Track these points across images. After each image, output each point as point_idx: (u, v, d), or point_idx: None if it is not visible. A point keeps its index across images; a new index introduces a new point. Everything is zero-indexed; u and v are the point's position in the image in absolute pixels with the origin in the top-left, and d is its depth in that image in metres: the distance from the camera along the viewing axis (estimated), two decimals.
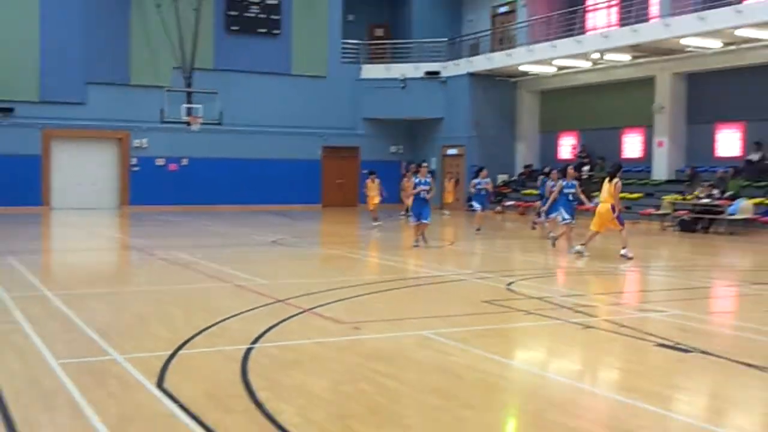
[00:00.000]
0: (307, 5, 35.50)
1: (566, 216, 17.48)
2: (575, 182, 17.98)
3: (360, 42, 36.82)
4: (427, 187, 17.99)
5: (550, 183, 19.21)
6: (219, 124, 32.02)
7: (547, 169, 22.14)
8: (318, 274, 14.65)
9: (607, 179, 16.23)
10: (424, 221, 17.76)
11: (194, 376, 6.86)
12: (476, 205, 22.54)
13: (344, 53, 36.49)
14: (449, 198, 33.61)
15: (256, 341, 8.12)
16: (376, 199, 24.81)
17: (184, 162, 33.88)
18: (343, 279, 13.26)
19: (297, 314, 9.75)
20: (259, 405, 5.96)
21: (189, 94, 32.16)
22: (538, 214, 21.21)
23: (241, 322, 9.20)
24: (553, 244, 17.80)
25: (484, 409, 6.09)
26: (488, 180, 23.48)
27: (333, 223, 28.04)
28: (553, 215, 18.59)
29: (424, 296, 11.93)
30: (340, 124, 36.22)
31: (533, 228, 22.06)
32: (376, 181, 25.09)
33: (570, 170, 18.27)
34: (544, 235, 19.83)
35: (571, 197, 17.59)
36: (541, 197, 28.93)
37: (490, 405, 6.26)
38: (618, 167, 16.46)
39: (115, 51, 32.42)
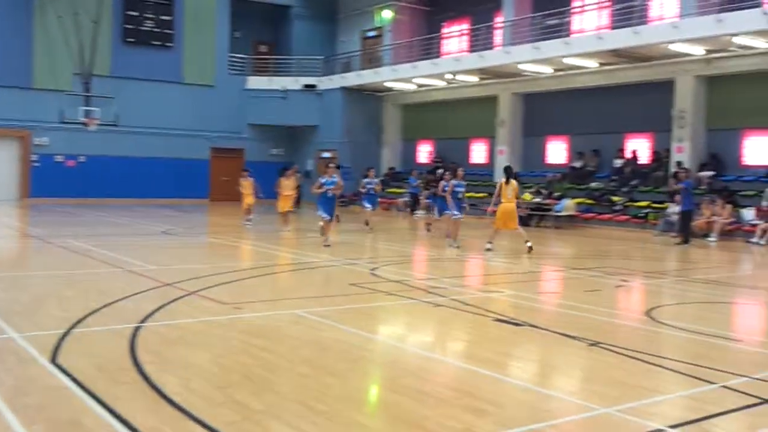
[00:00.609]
0: (198, 22, 34.72)
1: (456, 212, 16.97)
2: (464, 182, 17.44)
3: (246, 56, 36.48)
4: (332, 186, 16.30)
5: (443, 183, 17.91)
6: (115, 125, 31.19)
7: (441, 172, 21.09)
8: (204, 261, 14.30)
9: (504, 181, 16.05)
10: (327, 218, 16.27)
11: (86, 352, 6.55)
12: (367, 205, 21.06)
13: (231, 66, 35.96)
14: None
15: (144, 320, 7.85)
16: (250, 198, 21.59)
17: (82, 159, 32.57)
18: (226, 265, 13.01)
19: (183, 296, 9.49)
20: (145, 377, 5.76)
21: (87, 97, 31.14)
22: (428, 210, 20.28)
23: (131, 304, 8.87)
24: (448, 242, 16.90)
25: (348, 377, 6.09)
26: (377, 180, 22.11)
27: (219, 216, 27.45)
28: (447, 213, 17.56)
29: (298, 280, 11.86)
30: (227, 129, 35.70)
31: (428, 230, 20.74)
32: (250, 179, 21.88)
33: (459, 171, 17.40)
34: (439, 234, 19.12)
35: (460, 195, 17.08)
36: (413, 195, 29.36)
37: (352, 373, 6.26)
38: (510, 168, 16.50)
39: (18, 56, 30.85)
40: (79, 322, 7.70)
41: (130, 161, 33.35)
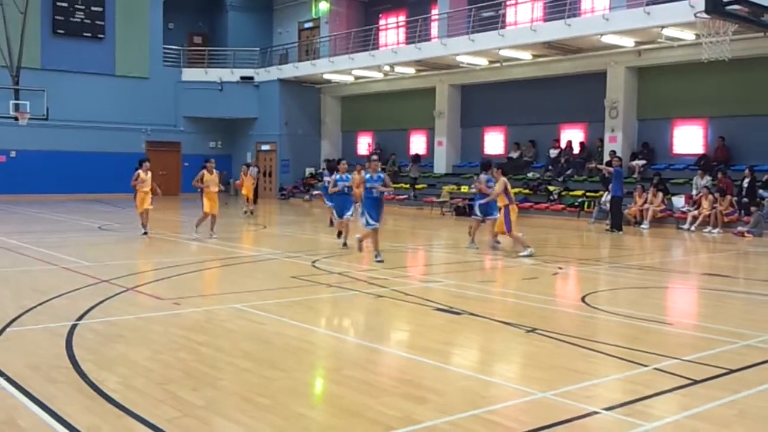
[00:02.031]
0: (130, 13, 33.99)
1: (347, 212, 15.10)
2: (349, 175, 15.47)
3: (180, 48, 35.89)
4: (378, 183, 13.10)
5: (327, 179, 16.09)
6: (46, 119, 30.19)
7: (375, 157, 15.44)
8: (141, 256, 14.06)
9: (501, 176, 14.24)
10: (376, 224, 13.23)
11: (20, 351, 6.39)
12: (329, 203, 17.33)
13: (165, 57, 35.35)
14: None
15: (81, 318, 7.69)
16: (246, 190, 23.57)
17: (13, 154, 31.63)
18: (164, 260, 12.81)
19: (120, 293, 9.33)
20: (82, 375, 5.66)
21: (17, 91, 29.96)
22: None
23: (66, 301, 8.68)
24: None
25: (290, 369, 6.08)
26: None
27: (156, 211, 26.91)
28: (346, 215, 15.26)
29: (239, 274, 11.75)
30: (162, 121, 35.11)
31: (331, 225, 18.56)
32: (215, 172, 17.69)
33: (341, 166, 15.35)
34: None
35: (346, 191, 15.18)
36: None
37: (294, 365, 6.25)
38: (488, 164, 15.30)
39: None
40: (13, 321, 7.51)
41: (62, 156, 32.50)
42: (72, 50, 32.42)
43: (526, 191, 25.67)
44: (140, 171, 17.23)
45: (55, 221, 21.11)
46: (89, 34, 33.05)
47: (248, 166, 24.85)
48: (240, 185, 24.30)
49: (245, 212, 23.43)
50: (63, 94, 31.58)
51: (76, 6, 32.68)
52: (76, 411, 4.83)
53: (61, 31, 32.44)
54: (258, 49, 35.94)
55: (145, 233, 16.73)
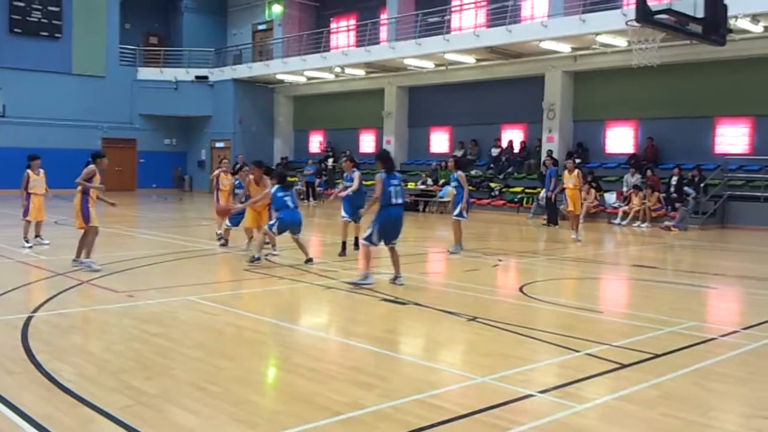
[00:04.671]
0: (87, 13, 33.12)
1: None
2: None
3: (136, 47, 35.20)
4: (348, 183, 12.70)
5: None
6: (2, 116, 29.45)
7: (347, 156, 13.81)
8: (97, 250, 13.73)
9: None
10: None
11: None
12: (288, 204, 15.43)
13: (122, 57, 34.61)
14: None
15: (36, 310, 7.52)
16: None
17: None
18: (120, 254, 12.59)
19: (76, 285, 9.13)
20: (38, 366, 5.54)
21: None
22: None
23: (22, 294, 8.47)
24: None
25: (241, 359, 6.04)
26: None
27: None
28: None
29: (192, 267, 11.60)
30: (118, 119, 34.39)
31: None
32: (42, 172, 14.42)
33: (347, 163, 13.19)
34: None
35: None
36: (309, 184, 29.02)
37: (245, 355, 6.21)
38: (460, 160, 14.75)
39: None
40: None
41: (18, 152, 31.46)
42: (29, 49, 31.51)
43: (470, 188, 25.74)
44: (29, 170, 13.51)
45: (10, 215, 20.53)
46: (46, 33, 32.13)
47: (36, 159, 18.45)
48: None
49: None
50: (20, 92, 30.87)
51: (33, 5, 31.72)
52: (31, 401, 4.73)
53: (18, 30, 31.47)
54: (213, 49, 35.49)
55: (30, 246, 12.91)
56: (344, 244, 12.91)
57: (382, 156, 9.67)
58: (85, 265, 9.95)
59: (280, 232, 11.44)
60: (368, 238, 9.45)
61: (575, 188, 16.68)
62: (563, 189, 17.02)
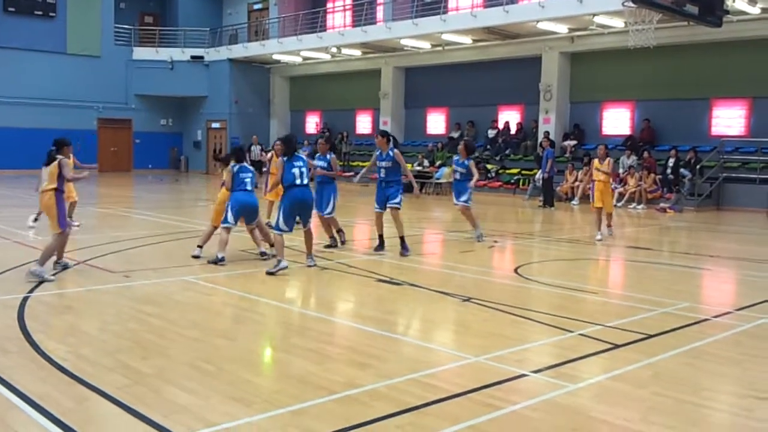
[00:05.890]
0: None
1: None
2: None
3: (131, 27, 34.96)
4: (324, 163, 11.39)
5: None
6: None
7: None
8: (94, 230, 13.74)
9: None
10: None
11: None
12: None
13: (117, 36, 34.39)
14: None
15: (32, 291, 7.53)
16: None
17: None
18: (116, 234, 12.58)
19: (72, 266, 9.14)
20: (34, 345, 5.56)
21: None
22: None
23: (18, 274, 8.46)
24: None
25: (237, 338, 6.07)
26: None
27: (108, 186, 26.41)
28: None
29: (188, 247, 11.58)
30: (114, 99, 34.25)
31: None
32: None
33: (323, 146, 11.88)
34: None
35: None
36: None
37: (241, 335, 6.25)
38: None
39: None
40: None
41: (14, 132, 31.45)
42: (23, 28, 31.27)
43: (462, 170, 25.79)
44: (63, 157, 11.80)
45: (7, 196, 20.51)
46: (41, 12, 31.89)
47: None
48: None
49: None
50: (14, 72, 30.72)
51: None
52: (28, 381, 4.75)
53: (12, 9, 31.23)
54: (208, 29, 35.28)
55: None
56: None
57: (284, 139, 9.55)
58: (37, 273, 8.10)
59: (236, 218, 9.93)
60: (277, 227, 9.09)
61: (606, 182, 13.43)
62: (591, 181, 13.67)
